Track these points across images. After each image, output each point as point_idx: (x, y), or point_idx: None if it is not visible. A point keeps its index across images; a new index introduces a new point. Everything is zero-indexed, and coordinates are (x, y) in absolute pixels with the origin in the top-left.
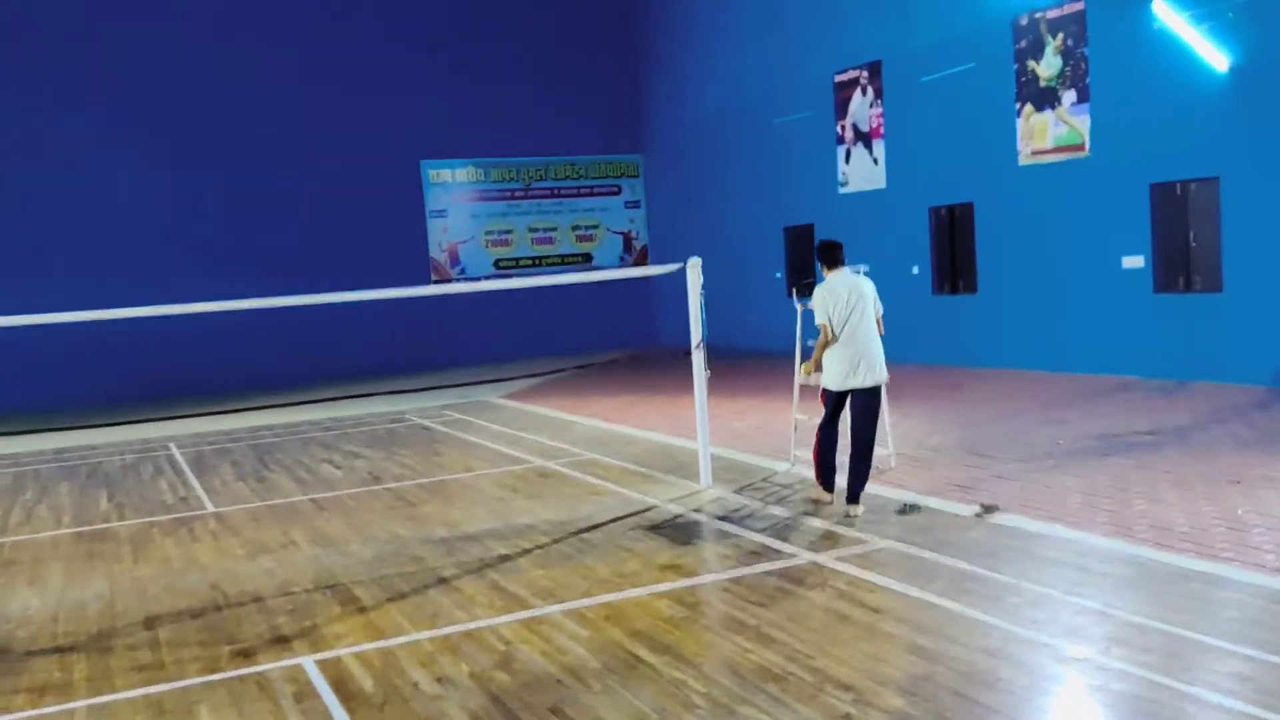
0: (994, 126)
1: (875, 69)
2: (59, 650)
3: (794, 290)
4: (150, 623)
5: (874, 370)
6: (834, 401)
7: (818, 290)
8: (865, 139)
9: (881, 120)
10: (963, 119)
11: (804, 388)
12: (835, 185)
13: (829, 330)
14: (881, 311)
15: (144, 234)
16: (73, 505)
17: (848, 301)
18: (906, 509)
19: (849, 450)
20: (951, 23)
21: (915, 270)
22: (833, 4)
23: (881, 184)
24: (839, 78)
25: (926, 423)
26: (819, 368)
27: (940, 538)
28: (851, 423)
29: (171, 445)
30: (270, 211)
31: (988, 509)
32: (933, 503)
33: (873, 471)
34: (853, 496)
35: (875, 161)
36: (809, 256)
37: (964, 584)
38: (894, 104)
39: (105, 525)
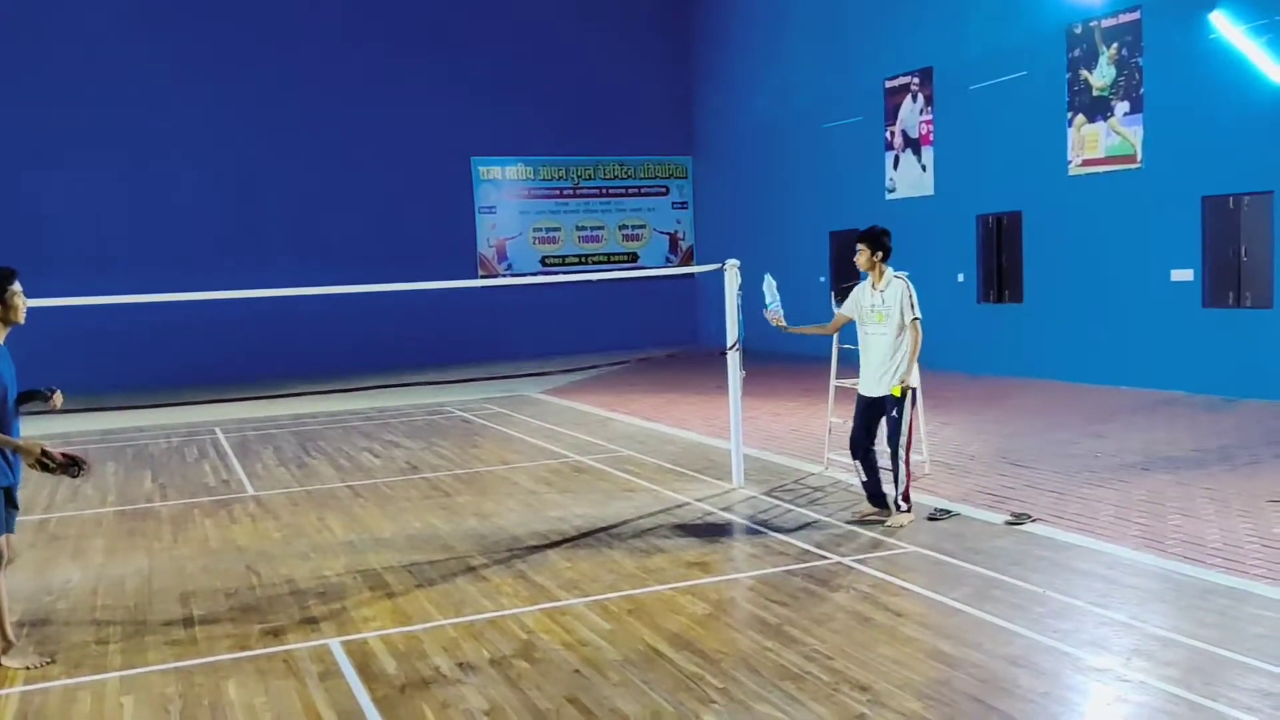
0: (1045, 135)
1: (926, 75)
2: (96, 623)
3: (835, 295)
4: (185, 600)
5: None
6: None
7: (904, 284)
8: (914, 145)
9: (931, 127)
10: (1013, 127)
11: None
12: (883, 191)
13: (917, 320)
14: None
15: (200, 222)
16: (118, 484)
17: None
18: (938, 514)
19: (888, 450)
20: (1004, 30)
21: (961, 278)
22: (885, 10)
23: (929, 191)
24: (889, 83)
25: (965, 431)
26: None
27: (969, 545)
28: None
29: (217, 430)
30: (323, 203)
31: (1019, 518)
32: (965, 510)
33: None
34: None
35: (924, 168)
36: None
37: (990, 591)
38: (944, 111)
39: (148, 505)
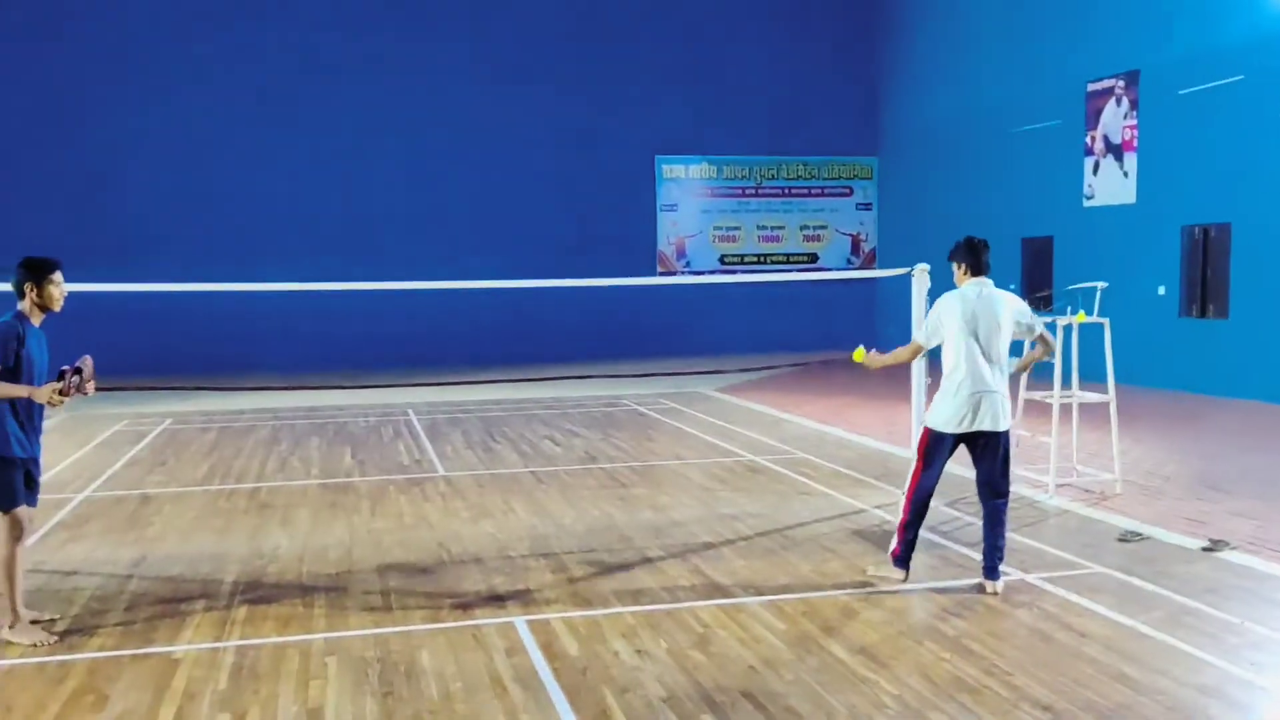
0: (1259, 143)
1: (1132, 78)
2: (303, 587)
3: (1030, 303)
4: (382, 571)
5: (995, 413)
6: (940, 449)
7: (939, 301)
8: (1116, 151)
9: (1135, 132)
10: (1225, 134)
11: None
12: (1079, 198)
13: (919, 348)
14: (1037, 331)
15: (391, 212)
16: (321, 459)
17: (972, 318)
18: (1128, 537)
19: (982, 515)
20: (1218, 31)
21: (1161, 290)
22: (1086, 8)
23: (1131, 199)
24: (1092, 86)
25: (1160, 450)
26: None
27: (1161, 569)
28: (980, 477)
29: (410, 411)
30: (514, 198)
31: (1216, 544)
32: (1158, 533)
33: (1097, 494)
34: (993, 571)
35: (1125, 175)
36: (1047, 269)
37: (1181, 618)
38: (1150, 116)
39: (348, 479)
